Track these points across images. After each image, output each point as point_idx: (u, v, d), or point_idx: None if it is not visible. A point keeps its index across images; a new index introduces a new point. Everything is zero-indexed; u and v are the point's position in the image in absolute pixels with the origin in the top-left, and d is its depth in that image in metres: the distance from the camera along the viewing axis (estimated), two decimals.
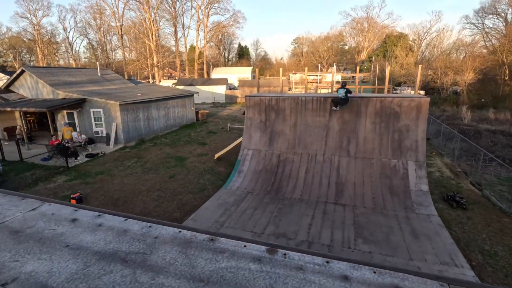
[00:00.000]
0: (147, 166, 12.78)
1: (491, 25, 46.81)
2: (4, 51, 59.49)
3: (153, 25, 52.32)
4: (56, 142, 13.55)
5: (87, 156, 13.80)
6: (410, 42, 56.26)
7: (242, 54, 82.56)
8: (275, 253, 1.30)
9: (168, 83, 43.94)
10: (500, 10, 44.29)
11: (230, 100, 38.45)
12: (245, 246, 1.36)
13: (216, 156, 13.37)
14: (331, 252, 6.14)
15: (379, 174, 9.17)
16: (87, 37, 64.91)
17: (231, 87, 43.49)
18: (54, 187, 10.60)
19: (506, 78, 33.60)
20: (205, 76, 59.31)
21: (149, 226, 1.52)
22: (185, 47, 63.80)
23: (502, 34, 40.95)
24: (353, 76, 43.24)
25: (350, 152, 9.85)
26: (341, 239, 6.71)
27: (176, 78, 53.96)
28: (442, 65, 38.19)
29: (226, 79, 41.21)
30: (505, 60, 33.69)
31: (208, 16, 58.71)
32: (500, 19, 44.75)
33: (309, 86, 41.00)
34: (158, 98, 18.81)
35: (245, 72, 54.37)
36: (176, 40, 62.73)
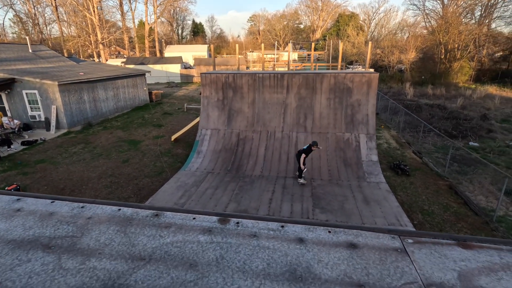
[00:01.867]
0: (97, 152, 11.81)
1: (430, 7, 50.48)
2: None
3: None
4: None
5: (23, 143, 12.25)
6: (360, 22, 58.54)
7: (197, 32, 78.74)
8: (227, 223, 1.21)
9: (117, 62, 40.42)
10: None
11: (186, 79, 36.83)
12: (194, 218, 1.24)
13: (173, 137, 12.82)
14: None
15: (334, 147, 9.60)
16: (12, 8, 55.99)
17: (186, 66, 41.53)
18: None
19: (442, 57, 36.95)
20: (158, 54, 55.70)
21: (82, 207, 1.31)
22: (133, 22, 58.68)
23: (439, 16, 44.48)
24: (308, 55, 43.97)
25: (307, 127, 10.11)
26: (301, 210, 6.98)
27: (125, 56, 49.86)
28: (389, 44, 40.58)
29: (180, 58, 39.15)
30: (441, 40, 36.86)
31: None
32: (438, 1, 48.42)
33: (266, 64, 40.86)
34: (105, 78, 17.19)
35: (201, 50, 52.11)
36: (122, 14, 57.21)
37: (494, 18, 44.47)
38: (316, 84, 10.11)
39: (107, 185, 9.01)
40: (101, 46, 46.56)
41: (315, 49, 58.44)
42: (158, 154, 11.53)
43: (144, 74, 21.76)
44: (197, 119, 12.69)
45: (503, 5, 43.15)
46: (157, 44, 56.25)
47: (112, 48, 64.24)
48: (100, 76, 16.82)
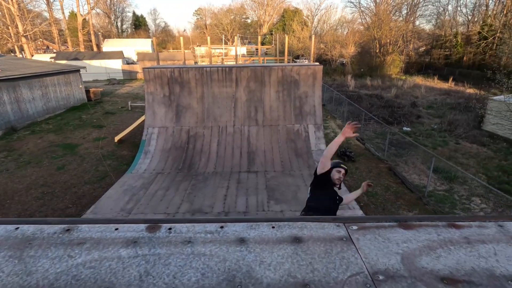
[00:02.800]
0: (24, 160, 10.32)
1: (365, 5, 54.58)
2: None
3: None
4: None
5: None
6: (304, 17, 60.82)
7: (139, 25, 73.81)
8: (157, 230, 1.03)
9: (45, 57, 35.91)
10: None
11: (129, 76, 34.35)
12: (116, 229, 1.04)
13: (117, 138, 11.82)
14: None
15: (285, 139, 9.80)
16: None
17: (129, 62, 38.71)
18: None
19: (377, 51, 40.37)
20: (95, 49, 50.94)
21: None
22: (63, 13, 52.55)
23: (373, 13, 48.41)
24: (256, 49, 44.31)
25: (258, 121, 10.14)
26: (256, 203, 6.97)
27: (55, 51, 44.55)
28: (331, 39, 42.93)
29: (121, 52, 36.30)
30: (376, 36, 40.19)
31: None
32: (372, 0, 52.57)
33: (215, 59, 40.14)
34: (30, 75, 15.07)
35: (144, 45, 48.99)
36: (49, 3, 50.78)
37: (418, 16, 49.88)
38: (265, 77, 10.15)
39: (38, 196, 7.92)
40: (23, 39, 40.77)
41: (263, 43, 59.17)
42: (100, 157, 10.52)
43: (78, 71, 19.63)
44: (143, 117, 11.88)
45: (424, 4, 48.56)
46: (93, 37, 51.35)
47: (39, 42, 56.92)
48: (23, 73, 14.69)
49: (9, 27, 41.06)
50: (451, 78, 30.83)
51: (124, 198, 7.30)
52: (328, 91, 22.01)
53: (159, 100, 10.27)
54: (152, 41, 50.59)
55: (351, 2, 57.22)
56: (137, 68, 34.46)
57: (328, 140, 12.52)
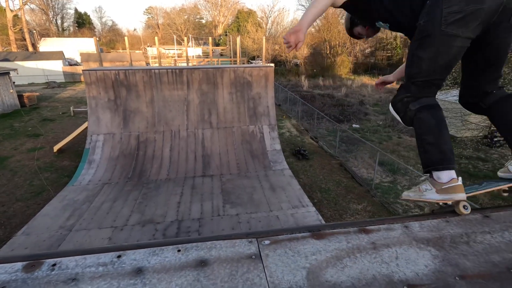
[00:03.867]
0: None
1: None
2: None
3: None
4: None
5: None
6: (258, 19, 61.68)
7: (82, 23, 68.28)
8: (37, 268, 0.87)
9: None
10: None
11: (72, 78, 31.55)
12: None
13: (56, 148, 10.72)
14: (201, 225, 6.13)
15: (241, 140, 9.76)
16: None
17: (71, 63, 35.59)
18: None
19: (328, 52, 42.54)
20: (30, 48, 45.89)
21: None
22: None
23: (322, 16, 50.88)
24: (213, 50, 43.86)
25: (212, 123, 9.95)
26: (211, 209, 6.80)
27: None
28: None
29: (61, 53, 33.17)
30: (326, 38, 42.31)
31: None
32: None
33: (168, 60, 38.72)
34: None
35: (89, 45, 45.39)
36: None
37: None
38: (217, 79, 10.00)
39: None
40: None
41: (218, 44, 58.71)
42: (35, 170, 9.43)
43: (8, 73, 17.43)
44: (86, 124, 10.93)
45: None
46: (27, 36, 46.21)
47: None
48: None
49: None
50: None
51: (64, 214, 6.61)
52: (283, 91, 22.54)
53: (103, 104, 9.53)
54: (97, 41, 47.16)
55: (302, 5, 59.35)
56: (81, 69, 31.77)
57: (284, 139, 12.80)
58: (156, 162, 8.98)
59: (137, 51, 41.98)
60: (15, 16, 45.05)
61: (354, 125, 16.19)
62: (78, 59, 39.41)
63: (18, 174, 9.18)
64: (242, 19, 57.67)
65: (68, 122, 15.27)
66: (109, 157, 8.93)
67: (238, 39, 12.84)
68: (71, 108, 16.94)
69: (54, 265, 0.88)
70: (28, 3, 49.45)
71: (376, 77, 36.41)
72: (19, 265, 0.88)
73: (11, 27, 43.08)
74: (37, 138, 12.59)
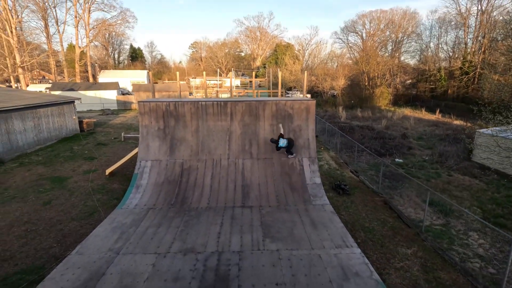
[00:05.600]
0: (8, 194, 9.93)
1: (353, 41, 57.87)
2: None
3: (12, 16, 42.02)
4: None
5: None
6: (296, 52, 63.78)
7: (136, 57, 76.03)
8: None
9: (40, 87, 36.20)
10: (358, 30, 55.29)
11: (124, 106, 34.62)
12: None
13: (108, 171, 11.58)
14: (241, 258, 6.05)
15: (280, 172, 9.75)
16: None
17: (124, 92, 39.27)
18: None
19: (366, 84, 42.08)
20: (91, 79, 51.75)
21: None
22: (61, 45, 53.94)
23: (360, 49, 51.16)
24: (250, 81, 45.74)
25: (252, 154, 10.13)
26: (251, 242, 6.72)
27: (51, 81, 45.03)
28: (322, 72, 44.75)
29: (117, 83, 36.90)
30: (364, 69, 42.14)
31: (89, 11, 51.33)
32: (358, 36, 55.88)
33: (209, 90, 41.06)
34: (23, 106, 15.03)
35: (139, 76, 50.10)
36: (48, 36, 52.27)
37: (402, 52, 52.86)
38: (259, 111, 10.33)
39: (21, 234, 7.50)
40: (20, 70, 41.29)
41: (256, 76, 61.24)
42: (89, 191, 10.21)
43: (73, 102, 19.72)
44: (136, 150, 11.76)
45: (407, 41, 51.72)
46: (89, 68, 52.39)
47: (35, 73, 57.70)
48: (16, 104, 14.65)
49: (7, 58, 41.73)
50: (438, 110, 32.00)
51: (113, 236, 6.97)
52: (320, 122, 22.46)
53: (153, 133, 10.26)
54: (147, 72, 51.84)
55: (339, 38, 60.54)
56: (132, 98, 34.89)
57: (322, 172, 12.52)
58: (197, 189, 9.25)
59: (181, 82, 45.23)
60: (82, 52, 51.71)
61: (397, 160, 15.40)
62: (130, 89, 43.43)
63: (75, 194, 10.00)
64: (280, 52, 60.03)
65: (118, 146, 16.56)
66: (155, 183, 9.41)
67: (280, 73, 13.33)
68: (122, 134, 18.43)
69: None
70: (93, 41, 56.72)
71: (419, 109, 34.87)
72: None
73: (78, 61, 49.35)
74: (92, 161, 13.77)
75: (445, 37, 54.69)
